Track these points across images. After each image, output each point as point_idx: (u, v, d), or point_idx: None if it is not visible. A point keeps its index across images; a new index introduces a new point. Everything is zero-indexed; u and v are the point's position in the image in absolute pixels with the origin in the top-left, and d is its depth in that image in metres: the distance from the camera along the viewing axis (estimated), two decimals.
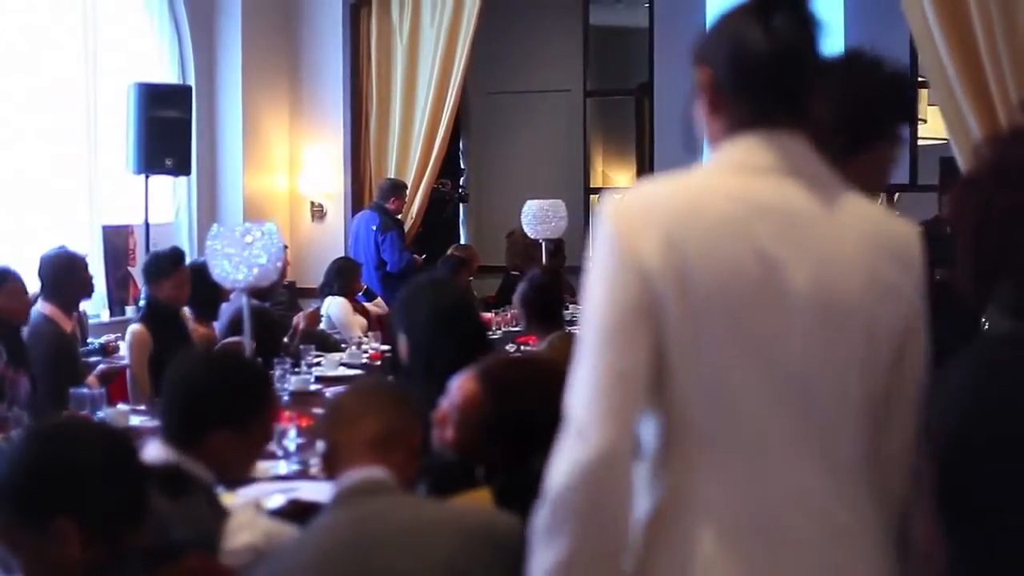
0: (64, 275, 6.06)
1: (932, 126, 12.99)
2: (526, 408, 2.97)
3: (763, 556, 1.84)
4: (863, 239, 1.92)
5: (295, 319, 7.20)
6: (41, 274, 6.13)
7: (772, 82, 1.96)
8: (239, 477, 3.05)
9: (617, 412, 1.81)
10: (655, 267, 1.83)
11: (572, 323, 8.65)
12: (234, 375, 3.01)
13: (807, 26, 1.99)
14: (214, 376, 2.97)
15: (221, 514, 2.80)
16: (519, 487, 2.91)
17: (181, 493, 2.75)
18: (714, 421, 1.86)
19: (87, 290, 6.44)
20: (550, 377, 3.16)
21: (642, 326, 1.83)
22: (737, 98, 1.99)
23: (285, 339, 6.80)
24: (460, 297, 3.99)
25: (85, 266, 6.34)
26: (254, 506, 2.97)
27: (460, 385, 3.00)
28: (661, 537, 1.87)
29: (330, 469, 2.62)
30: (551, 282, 5.60)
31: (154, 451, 2.88)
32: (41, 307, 5.92)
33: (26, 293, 5.67)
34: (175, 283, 6.25)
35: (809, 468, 1.87)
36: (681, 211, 1.89)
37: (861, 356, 1.90)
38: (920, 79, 11.22)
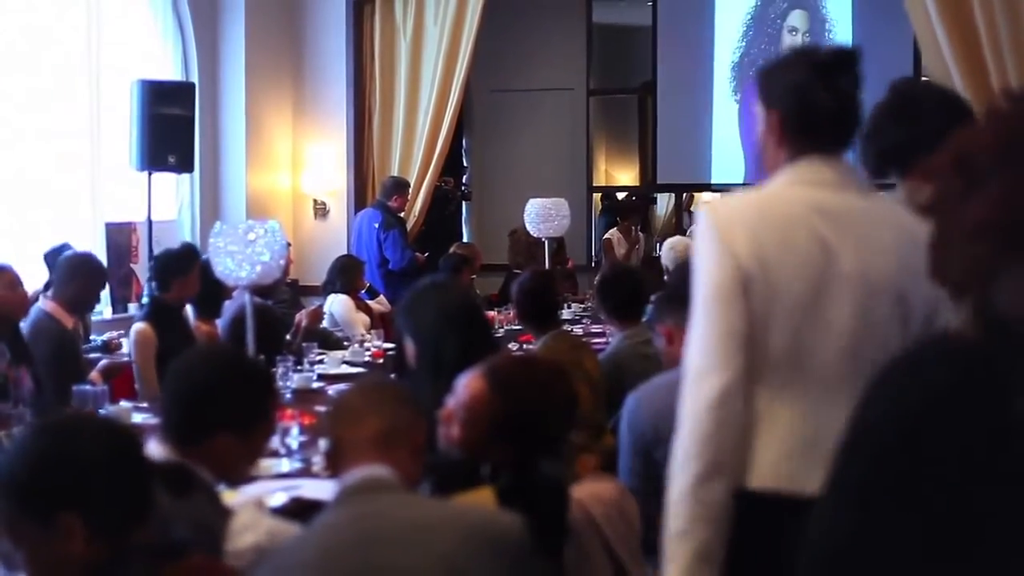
0: (85, 282, 6.04)
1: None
2: (532, 407, 2.98)
3: (811, 464, 2.33)
4: (894, 231, 2.50)
5: (297, 317, 7.20)
6: (57, 273, 6.12)
7: (834, 129, 2.58)
8: (239, 478, 3.04)
9: (726, 359, 2.43)
10: (743, 253, 2.45)
11: (576, 321, 8.69)
12: (238, 377, 2.98)
13: (858, 82, 2.58)
14: (217, 377, 2.95)
15: (223, 514, 2.80)
16: (524, 486, 2.92)
17: (185, 492, 2.74)
18: (788, 369, 2.45)
19: (98, 300, 6.45)
20: (555, 376, 3.18)
21: (737, 296, 2.44)
22: (803, 136, 2.58)
23: (287, 337, 6.79)
24: (465, 298, 3.99)
25: (106, 280, 6.35)
26: (257, 505, 2.96)
27: (467, 384, 3.00)
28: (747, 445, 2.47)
29: (334, 467, 2.62)
30: (540, 284, 5.59)
31: (154, 450, 2.87)
32: (43, 303, 5.91)
33: (21, 285, 5.64)
34: (188, 281, 6.24)
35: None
36: (761, 212, 2.52)
37: (896, 319, 2.46)
38: (923, 79, 11.25)
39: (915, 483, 1.48)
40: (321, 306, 7.88)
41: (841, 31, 11.87)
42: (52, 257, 7.23)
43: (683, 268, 7.06)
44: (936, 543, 1.47)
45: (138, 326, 6.23)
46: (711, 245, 2.49)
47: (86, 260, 6.25)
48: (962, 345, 1.53)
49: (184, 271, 6.22)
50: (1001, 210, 1.47)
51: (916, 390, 1.54)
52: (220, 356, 3.22)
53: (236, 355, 3.39)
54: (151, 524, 2.24)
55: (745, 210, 2.54)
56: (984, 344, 1.50)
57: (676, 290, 4.50)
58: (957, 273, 1.53)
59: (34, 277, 6.71)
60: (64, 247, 7.31)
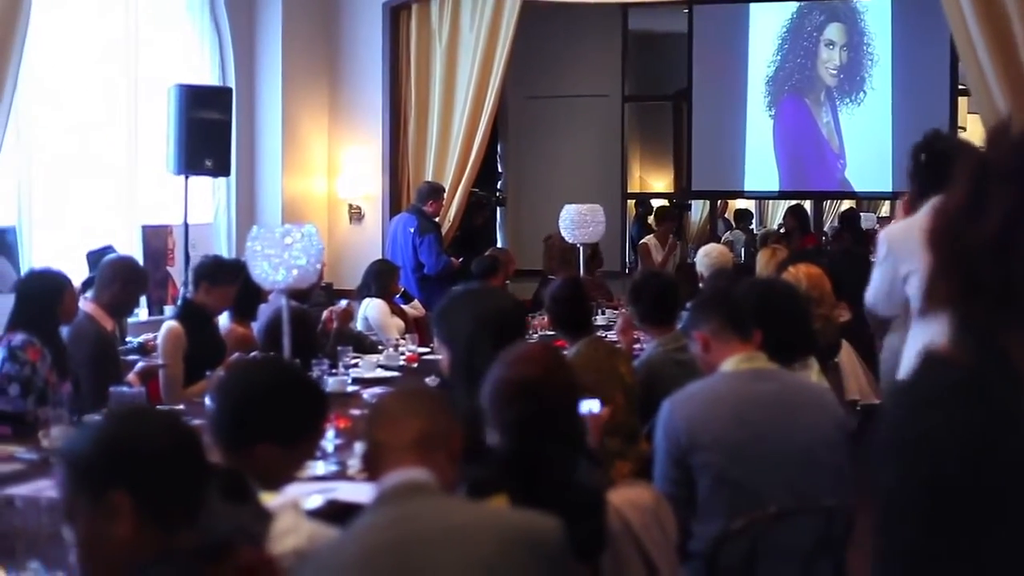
0: (126, 286, 6.06)
1: (971, 134, 12.95)
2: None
3: None
4: None
5: (326, 313, 7.19)
6: (99, 276, 6.16)
7: None
8: (279, 487, 3.06)
9: (889, 299, 4.58)
10: (903, 258, 4.38)
11: (610, 327, 8.67)
12: (290, 391, 3.03)
13: None
14: (269, 389, 2.99)
15: (264, 517, 2.82)
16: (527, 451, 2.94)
17: (240, 500, 2.77)
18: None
19: (138, 305, 6.49)
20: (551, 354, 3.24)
21: (898, 276, 4.46)
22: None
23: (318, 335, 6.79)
24: (500, 304, 3.99)
25: (147, 285, 6.38)
26: (296, 508, 2.98)
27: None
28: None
29: (372, 470, 2.63)
30: (572, 292, 5.59)
31: None
32: (83, 305, 5.94)
33: (77, 298, 5.72)
34: (225, 293, 6.29)
35: None
36: (910, 232, 4.01)
37: None
38: (960, 87, 11.20)
39: (982, 505, 1.47)
40: (351, 305, 7.88)
41: (880, 44, 11.81)
42: (94, 257, 7.30)
43: (718, 275, 7.05)
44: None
45: (169, 324, 6.28)
46: (886, 255, 4.59)
47: (128, 265, 6.28)
48: (963, 369, 1.52)
49: (227, 280, 6.26)
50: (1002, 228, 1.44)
51: (979, 414, 1.50)
52: (276, 368, 3.25)
53: (292, 370, 3.42)
54: (197, 528, 2.27)
55: (905, 230, 4.38)
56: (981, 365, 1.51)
57: (711, 296, 4.51)
58: (967, 310, 1.51)
59: (73, 279, 6.76)
60: (107, 249, 7.38)
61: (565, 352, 5.47)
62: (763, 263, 7.54)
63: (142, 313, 8.53)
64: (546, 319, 6.93)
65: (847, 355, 5.71)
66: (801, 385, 4.20)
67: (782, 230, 13.08)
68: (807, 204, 13.52)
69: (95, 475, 2.23)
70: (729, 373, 3.94)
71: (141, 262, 8.05)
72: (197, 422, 5.06)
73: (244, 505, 2.80)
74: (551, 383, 3.14)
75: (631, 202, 14.29)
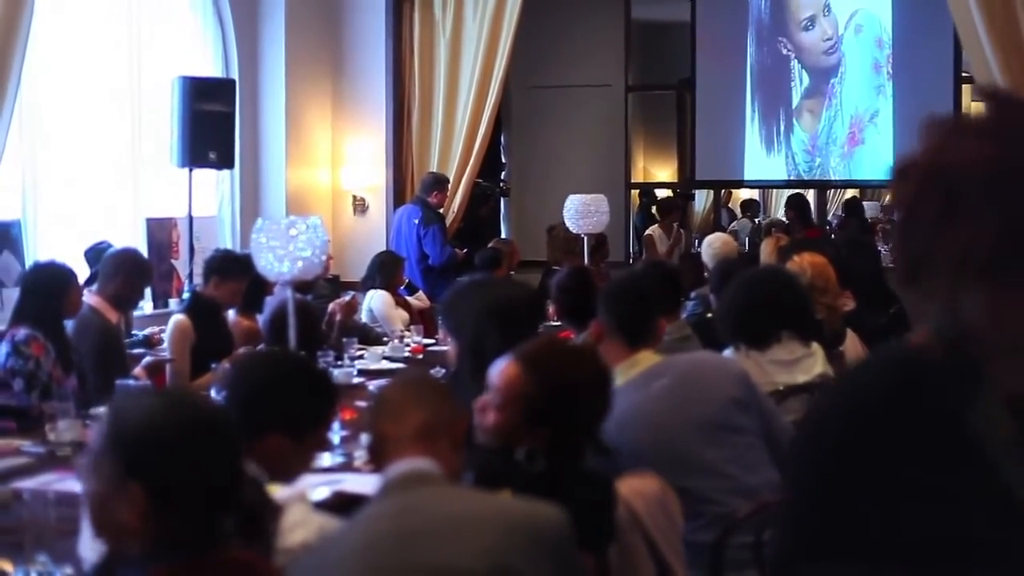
0: (130, 278, 6.06)
1: None
2: (563, 381, 3.00)
3: None
4: None
5: (331, 307, 7.20)
6: (102, 268, 6.16)
7: None
8: (289, 479, 3.06)
9: None
10: None
11: None
12: (302, 386, 3.03)
13: None
14: (282, 384, 3.00)
15: (273, 510, 2.82)
16: (560, 472, 2.93)
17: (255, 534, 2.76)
18: None
19: (143, 297, 6.50)
20: (585, 354, 3.19)
21: None
22: None
23: (324, 327, 6.81)
24: (508, 294, 3.99)
25: (151, 276, 6.38)
26: (305, 501, 2.98)
27: (500, 370, 3.02)
28: None
29: (376, 461, 2.64)
30: (577, 282, 5.59)
31: None
32: (88, 298, 5.94)
33: (81, 292, 5.73)
34: (235, 288, 6.30)
35: None
36: None
37: None
38: (964, 75, 11.18)
39: (862, 477, 1.44)
40: (355, 297, 7.89)
41: (882, 32, 11.80)
42: (92, 255, 7.29)
43: (723, 264, 7.04)
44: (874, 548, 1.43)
45: (177, 317, 6.29)
46: None
47: (132, 256, 6.28)
48: (920, 354, 1.49)
49: (235, 275, 6.27)
50: (998, 240, 1.37)
51: (869, 387, 1.50)
52: (286, 360, 3.25)
53: (302, 361, 3.42)
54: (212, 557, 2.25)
55: None
56: (943, 356, 1.46)
57: (616, 291, 4.29)
58: (928, 286, 1.45)
59: (76, 273, 6.76)
60: (103, 244, 7.37)
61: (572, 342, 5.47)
62: (767, 252, 7.54)
63: (147, 306, 8.54)
64: (551, 310, 6.94)
65: (852, 344, 5.69)
66: (693, 361, 4.12)
67: (786, 221, 13.06)
68: (810, 193, 13.50)
69: (128, 459, 2.18)
70: (620, 388, 3.63)
71: (145, 255, 8.07)
72: None
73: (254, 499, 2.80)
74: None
75: (634, 192, 14.27)
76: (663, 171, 15.32)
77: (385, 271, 8.43)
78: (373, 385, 5.72)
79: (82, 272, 6.95)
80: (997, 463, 1.41)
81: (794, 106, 12.30)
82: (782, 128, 12.32)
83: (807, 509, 1.50)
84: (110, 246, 7.07)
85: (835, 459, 1.47)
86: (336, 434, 4.56)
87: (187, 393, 2.49)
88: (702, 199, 15.43)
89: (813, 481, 1.50)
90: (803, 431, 1.58)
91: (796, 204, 12.38)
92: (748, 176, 12.73)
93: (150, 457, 2.18)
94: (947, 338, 1.45)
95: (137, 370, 5.70)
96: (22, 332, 5.30)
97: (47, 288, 5.47)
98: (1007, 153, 1.40)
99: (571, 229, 9.41)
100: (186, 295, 7.62)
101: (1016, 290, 1.38)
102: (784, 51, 12.22)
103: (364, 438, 3.42)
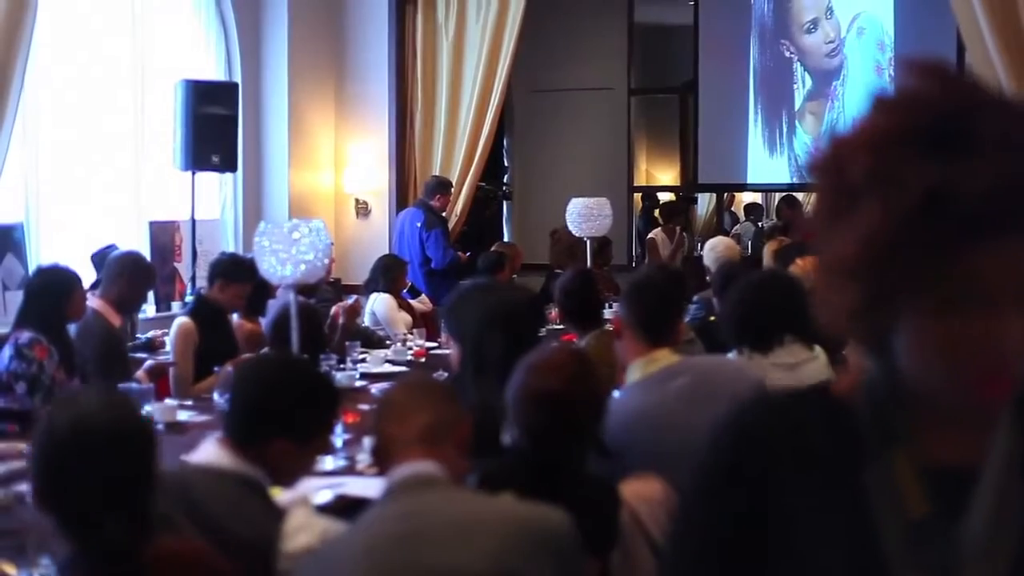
0: (133, 281, 6.05)
1: None
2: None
3: None
4: None
5: (334, 309, 7.20)
6: (105, 271, 6.16)
7: None
8: (291, 483, 3.06)
9: None
10: None
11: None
12: (307, 390, 3.02)
13: None
14: (287, 388, 2.99)
15: (276, 514, 2.82)
16: (545, 462, 2.92)
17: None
18: None
19: (146, 300, 6.49)
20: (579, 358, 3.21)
21: None
22: None
23: (326, 330, 6.80)
24: (511, 298, 3.99)
25: (154, 280, 6.38)
26: (308, 505, 2.98)
27: None
28: None
29: (381, 464, 2.64)
30: (581, 285, 5.59)
31: (211, 449, 2.90)
32: (91, 302, 5.94)
33: (85, 295, 5.72)
34: (240, 291, 6.30)
35: None
36: None
37: None
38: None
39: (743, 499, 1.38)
40: (358, 301, 7.88)
41: (884, 30, 11.79)
42: (99, 259, 7.29)
43: (725, 267, 7.04)
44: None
45: (181, 320, 6.30)
46: None
47: (134, 260, 6.28)
48: (840, 398, 1.38)
49: (240, 278, 6.27)
50: (867, 244, 1.22)
51: (768, 418, 1.40)
52: (292, 367, 3.25)
53: (305, 366, 3.42)
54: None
55: None
56: (860, 397, 1.35)
57: (639, 288, 4.31)
58: (825, 316, 1.31)
59: (81, 276, 6.76)
60: (111, 248, 7.37)
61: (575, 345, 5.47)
62: (770, 255, 7.54)
63: (149, 310, 8.54)
64: (553, 313, 6.94)
65: (854, 348, 5.69)
66: (712, 363, 4.13)
67: (783, 222, 13.04)
68: (813, 196, 13.45)
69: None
70: (637, 384, 3.74)
71: (148, 258, 8.07)
72: (203, 418, 5.12)
73: (244, 499, 2.80)
74: (574, 394, 3.06)
75: (637, 195, 14.27)
76: (666, 174, 15.31)
77: (388, 274, 8.42)
78: (376, 388, 5.71)
79: (88, 276, 6.96)
80: (879, 530, 1.30)
81: (797, 109, 12.29)
82: (785, 131, 12.31)
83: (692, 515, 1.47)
84: (117, 249, 7.07)
85: (721, 479, 1.41)
86: (339, 437, 4.55)
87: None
88: (705, 202, 15.42)
89: (697, 498, 1.47)
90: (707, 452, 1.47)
91: (792, 202, 12.41)
92: (751, 179, 12.72)
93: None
94: (873, 391, 1.34)
95: (139, 373, 5.70)
96: (25, 335, 5.30)
97: (51, 292, 5.47)
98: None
99: (574, 232, 9.41)
100: (189, 298, 7.62)
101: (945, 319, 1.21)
102: (787, 54, 12.21)
103: (368, 441, 3.42)
